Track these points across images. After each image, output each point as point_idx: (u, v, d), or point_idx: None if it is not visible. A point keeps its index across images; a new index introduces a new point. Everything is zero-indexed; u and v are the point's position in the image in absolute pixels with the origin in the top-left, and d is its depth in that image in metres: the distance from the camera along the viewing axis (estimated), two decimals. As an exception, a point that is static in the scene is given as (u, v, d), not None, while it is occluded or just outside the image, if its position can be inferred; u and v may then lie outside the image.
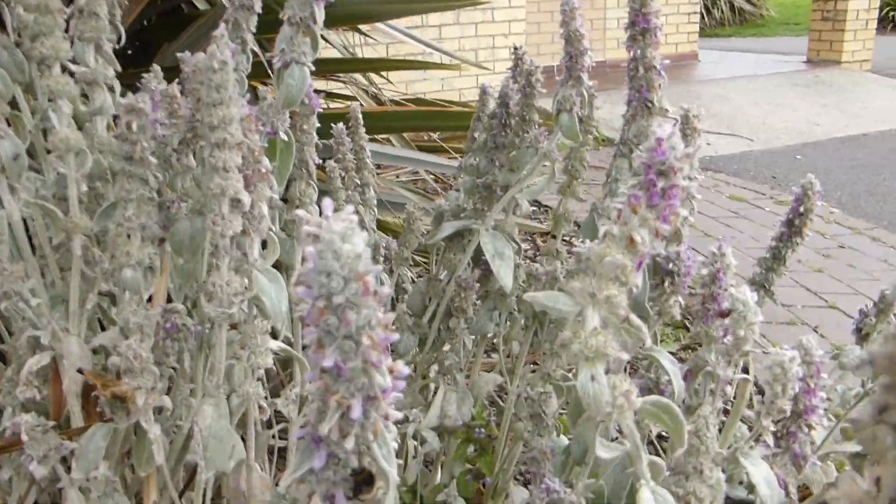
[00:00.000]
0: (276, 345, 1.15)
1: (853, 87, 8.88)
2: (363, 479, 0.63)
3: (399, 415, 0.59)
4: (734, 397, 1.06)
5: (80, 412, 1.29)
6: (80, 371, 1.14)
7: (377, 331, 0.53)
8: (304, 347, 0.73)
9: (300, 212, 0.77)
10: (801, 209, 1.32)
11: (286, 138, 1.18)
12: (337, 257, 0.50)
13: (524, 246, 1.70)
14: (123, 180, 1.05)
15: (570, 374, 1.69)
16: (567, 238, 2.15)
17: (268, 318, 1.12)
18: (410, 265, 1.87)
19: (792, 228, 1.37)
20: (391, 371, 0.56)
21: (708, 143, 7.15)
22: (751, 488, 1.05)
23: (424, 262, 2.65)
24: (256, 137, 1.04)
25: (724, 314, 1.00)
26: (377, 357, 0.54)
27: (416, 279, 1.85)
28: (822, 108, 8.32)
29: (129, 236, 1.08)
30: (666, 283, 1.18)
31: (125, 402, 1.13)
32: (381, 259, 1.86)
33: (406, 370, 0.56)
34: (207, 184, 0.97)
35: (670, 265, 1.18)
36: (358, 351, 0.54)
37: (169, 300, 1.26)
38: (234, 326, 1.35)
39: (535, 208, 4.91)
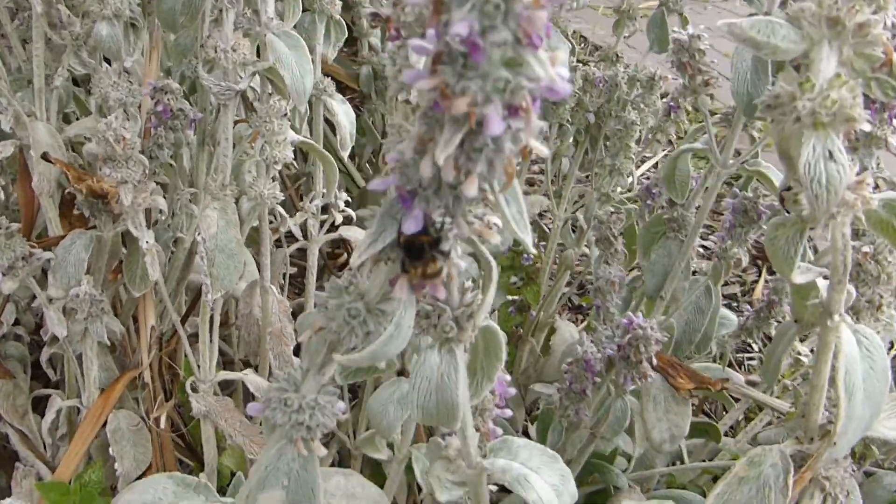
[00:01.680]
0: (296, 136, 0.91)
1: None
2: (419, 246, 0.40)
3: (545, 150, 0.35)
4: None
5: (58, 219, 1.07)
6: (47, 159, 0.90)
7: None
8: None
9: None
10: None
11: None
12: None
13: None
14: None
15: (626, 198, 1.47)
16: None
17: (286, 98, 0.87)
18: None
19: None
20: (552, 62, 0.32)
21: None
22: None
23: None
24: None
25: None
26: (538, 31, 0.31)
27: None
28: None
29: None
30: None
31: (108, 203, 0.90)
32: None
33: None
34: None
35: None
36: (508, 15, 0.30)
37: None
38: (244, 119, 1.11)
39: None
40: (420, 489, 1.32)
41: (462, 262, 0.44)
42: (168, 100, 0.94)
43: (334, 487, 0.67)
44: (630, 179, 1.44)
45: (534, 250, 0.39)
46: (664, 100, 1.41)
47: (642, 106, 1.37)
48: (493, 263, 0.45)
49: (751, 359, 1.98)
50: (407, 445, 1.04)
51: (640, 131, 1.39)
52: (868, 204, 0.54)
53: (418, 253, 0.41)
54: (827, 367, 0.69)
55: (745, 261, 1.37)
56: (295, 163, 1.70)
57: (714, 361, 1.49)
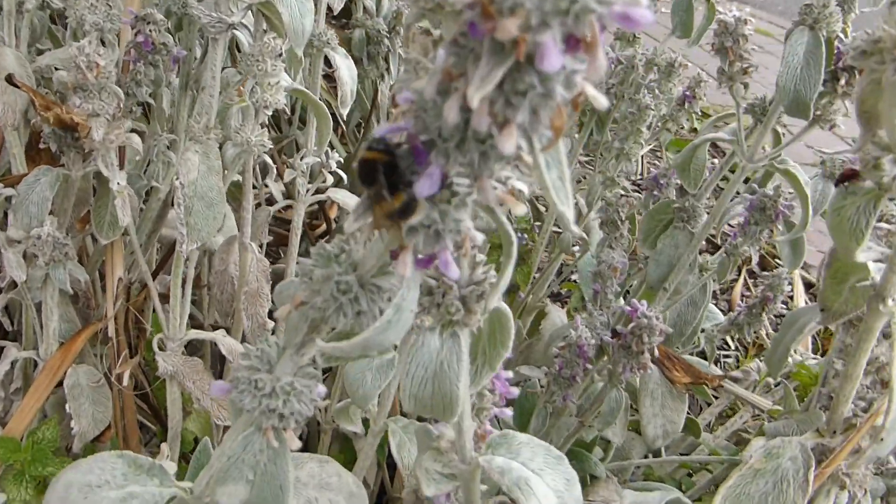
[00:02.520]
0: (290, 81, 0.82)
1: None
2: (370, 167, 0.33)
3: (604, 101, 0.28)
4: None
5: (24, 157, 0.98)
6: (11, 82, 0.81)
7: None
8: None
9: None
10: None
11: None
12: None
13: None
14: None
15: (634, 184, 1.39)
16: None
17: (282, 37, 0.78)
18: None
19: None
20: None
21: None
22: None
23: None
24: None
25: None
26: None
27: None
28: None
29: None
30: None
31: (77, 138, 0.81)
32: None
33: None
34: None
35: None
36: None
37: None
38: (232, 63, 1.02)
39: None
40: (390, 467, 1.25)
41: (478, 235, 0.36)
42: (150, 31, 0.84)
43: (307, 476, 0.60)
44: (635, 165, 1.37)
45: (576, 229, 0.31)
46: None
47: (657, 92, 1.30)
48: (514, 238, 0.37)
49: (727, 356, 1.94)
50: (383, 418, 0.97)
51: (652, 117, 1.32)
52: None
53: (368, 177, 0.33)
54: (866, 356, 0.64)
55: (755, 259, 1.32)
56: (279, 126, 1.61)
57: (697, 355, 1.45)
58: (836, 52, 0.88)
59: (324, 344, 0.37)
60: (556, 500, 0.50)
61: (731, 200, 1.08)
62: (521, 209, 0.35)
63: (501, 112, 0.27)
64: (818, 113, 0.90)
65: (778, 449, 0.69)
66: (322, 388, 0.48)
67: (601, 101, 0.27)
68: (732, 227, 2.12)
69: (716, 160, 2.24)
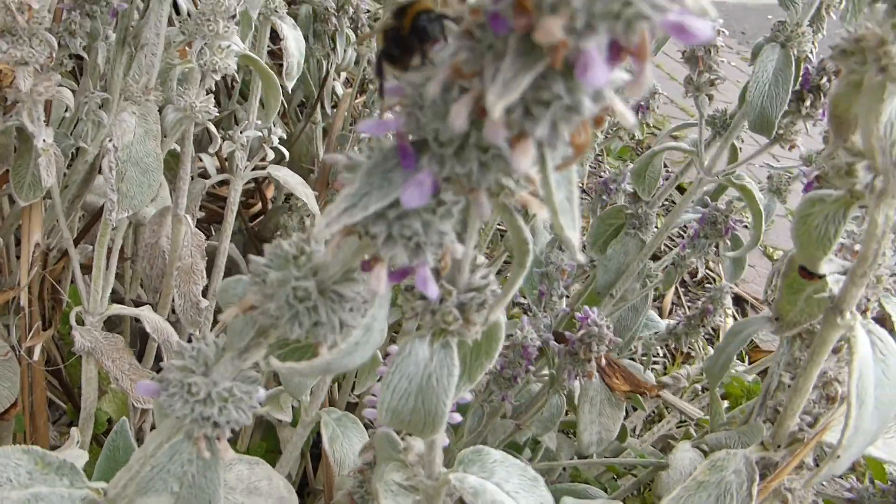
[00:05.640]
0: (241, 46, 0.76)
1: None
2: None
3: (632, 120, 0.24)
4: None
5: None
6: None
7: None
8: None
9: None
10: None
11: None
12: None
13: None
14: None
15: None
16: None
17: (237, -1, 0.72)
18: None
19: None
20: None
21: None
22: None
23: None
24: None
25: None
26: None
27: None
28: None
29: None
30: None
31: (0, 86, 0.74)
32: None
33: None
34: None
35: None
36: None
37: None
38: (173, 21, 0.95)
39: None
40: (314, 457, 1.21)
41: (460, 247, 0.32)
42: (90, -23, 0.77)
43: (235, 479, 0.55)
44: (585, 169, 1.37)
45: (582, 257, 0.27)
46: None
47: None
48: (531, 247, 0.33)
49: (655, 363, 1.97)
50: (316, 408, 0.93)
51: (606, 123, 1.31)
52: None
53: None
54: (818, 369, 0.62)
55: (702, 271, 1.32)
56: (217, 99, 1.54)
57: (634, 360, 1.45)
58: (803, 72, 0.87)
59: (277, 363, 0.33)
60: (532, 526, 0.47)
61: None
62: (545, 214, 0.31)
63: (519, 123, 0.23)
64: (780, 132, 0.89)
65: (722, 461, 0.68)
66: (262, 393, 0.44)
67: (629, 119, 0.24)
68: (674, 238, 2.15)
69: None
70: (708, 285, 1.68)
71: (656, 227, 1.14)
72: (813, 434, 0.69)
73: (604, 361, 0.98)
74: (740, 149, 1.02)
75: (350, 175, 0.28)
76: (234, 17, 0.70)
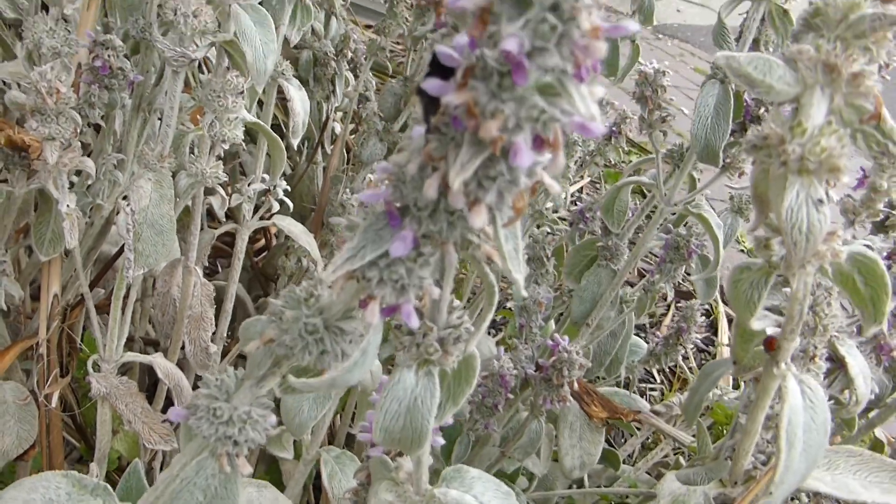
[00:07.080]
0: (248, 116, 0.85)
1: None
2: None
3: (558, 188, 0.32)
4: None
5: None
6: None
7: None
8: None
9: None
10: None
11: None
12: None
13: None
14: None
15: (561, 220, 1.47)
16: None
17: (244, 74, 0.82)
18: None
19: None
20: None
21: (678, 11, 6.89)
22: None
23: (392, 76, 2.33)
24: None
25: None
26: (590, 63, 0.28)
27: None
28: None
29: None
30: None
31: (26, 158, 0.82)
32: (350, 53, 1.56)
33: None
34: None
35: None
36: (563, 39, 0.27)
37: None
38: (187, 86, 1.04)
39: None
40: (315, 489, 1.27)
41: (436, 289, 0.40)
42: (109, 56, 0.86)
43: (245, 501, 0.62)
44: (563, 197, 1.44)
45: (525, 293, 0.35)
46: (606, 125, 1.41)
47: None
48: (496, 289, 0.42)
49: (653, 389, 2.02)
50: (317, 447, 1.00)
51: (580, 152, 1.39)
52: (837, 257, 0.53)
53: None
54: (763, 413, 0.69)
55: (671, 296, 1.39)
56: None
57: (620, 386, 1.51)
58: (745, 104, 0.96)
59: (294, 380, 0.41)
60: (506, 534, 0.54)
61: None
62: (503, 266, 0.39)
63: (474, 193, 0.31)
64: (728, 161, 0.97)
65: (683, 497, 0.74)
66: (273, 418, 0.51)
67: (556, 189, 0.32)
68: (649, 262, 2.23)
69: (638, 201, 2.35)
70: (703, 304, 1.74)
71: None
72: (765, 471, 0.76)
73: (578, 389, 1.05)
74: (698, 179, 1.10)
75: (350, 233, 0.37)
76: (241, 93, 0.79)
